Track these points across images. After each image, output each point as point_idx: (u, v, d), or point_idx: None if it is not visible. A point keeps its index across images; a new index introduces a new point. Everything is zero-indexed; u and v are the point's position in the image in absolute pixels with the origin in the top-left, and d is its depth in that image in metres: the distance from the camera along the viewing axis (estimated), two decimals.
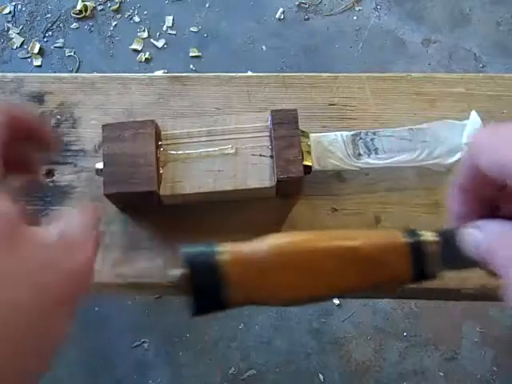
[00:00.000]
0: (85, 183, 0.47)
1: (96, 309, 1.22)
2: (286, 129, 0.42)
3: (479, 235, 0.26)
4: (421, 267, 0.30)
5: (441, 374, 1.16)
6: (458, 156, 0.44)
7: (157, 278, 0.44)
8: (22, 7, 1.52)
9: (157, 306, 1.22)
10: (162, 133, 0.42)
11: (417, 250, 0.30)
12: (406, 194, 0.46)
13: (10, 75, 0.51)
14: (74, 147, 0.48)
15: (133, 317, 1.22)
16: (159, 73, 1.40)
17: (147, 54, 1.45)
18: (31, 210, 0.46)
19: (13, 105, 0.34)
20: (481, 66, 1.40)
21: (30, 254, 0.24)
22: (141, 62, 1.44)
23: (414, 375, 1.16)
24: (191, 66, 1.43)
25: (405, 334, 1.18)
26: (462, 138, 0.44)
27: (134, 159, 0.40)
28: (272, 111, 0.42)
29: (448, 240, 0.30)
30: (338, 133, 0.45)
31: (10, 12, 1.51)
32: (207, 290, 0.31)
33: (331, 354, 1.18)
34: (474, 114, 0.45)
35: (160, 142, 0.42)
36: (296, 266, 0.31)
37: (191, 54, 1.44)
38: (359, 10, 1.48)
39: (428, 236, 0.31)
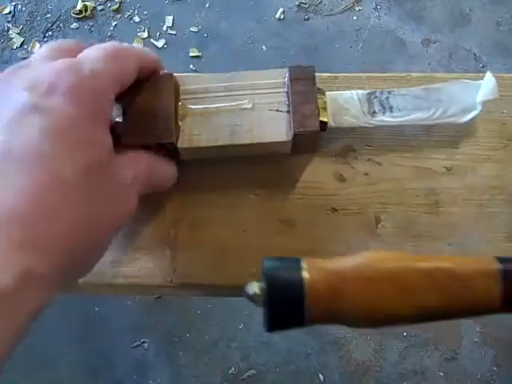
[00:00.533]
0: None
1: (96, 309, 1.22)
2: (303, 85, 0.42)
3: None
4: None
5: (441, 373, 1.16)
6: (472, 115, 0.45)
7: (157, 278, 0.44)
8: (22, 7, 1.52)
9: (157, 306, 1.22)
10: (181, 87, 0.43)
11: (508, 277, 0.30)
12: (406, 194, 0.46)
13: None
14: None
15: (133, 317, 1.22)
16: None
17: None
18: None
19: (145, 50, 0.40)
20: (481, 66, 1.40)
21: (112, 185, 0.31)
22: None
23: (414, 375, 1.16)
24: (191, 66, 1.43)
25: (405, 334, 1.18)
26: (477, 97, 0.45)
27: (152, 112, 0.41)
28: (290, 67, 0.43)
29: None
30: (353, 91, 0.46)
31: (9, 12, 1.51)
32: (288, 306, 0.31)
33: (331, 354, 1.18)
34: (488, 75, 0.45)
35: (179, 97, 0.43)
36: (383, 284, 0.31)
37: (191, 54, 1.44)
38: (359, 10, 1.48)
39: None
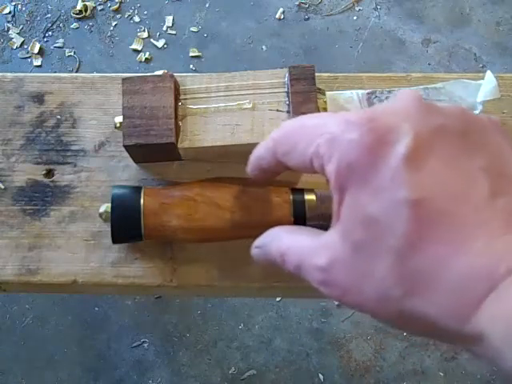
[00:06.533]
0: (85, 183, 0.47)
1: (96, 309, 1.22)
2: (303, 84, 0.43)
3: None
4: (300, 213, 0.39)
5: (441, 374, 1.16)
6: None
7: (157, 278, 0.44)
8: (22, 7, 1.52)
9: (157, 306, 1.22)
10: (181, 88, 0.43)
11: (298, 200, 0.39)
12: None
13: (10, 75, 0.51)
14: (74, 147, 0.48)
15: (133, 317, 1.22)
16: (159, 73, 1.39)
17: (147, 54, 1.45)
18: (31, 210, 0.46)
19: None
20: (481, 66, 1.40)
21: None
22: (141, 62, 1.45)
23: (414, 375, 1.16)
24: (191, 66, 1.43)
25: (405, 333, 1.18)
26: (477, 97, 0.45)
27: (153, 112, 0.42)
28: (290, 67, 0.43)
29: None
30: (353, 91, 0.45)
31: (9, 12, 1.51)
32: (128, 222, 0.39)
33: (331, 354, 1.18)
34: (489, 74, 0.45)
35: (179, 97, 0.43)
36: (202, 204, 0.38)
37: (191, 54, 1.45)
38: (359, 10, 1.48)
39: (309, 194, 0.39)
